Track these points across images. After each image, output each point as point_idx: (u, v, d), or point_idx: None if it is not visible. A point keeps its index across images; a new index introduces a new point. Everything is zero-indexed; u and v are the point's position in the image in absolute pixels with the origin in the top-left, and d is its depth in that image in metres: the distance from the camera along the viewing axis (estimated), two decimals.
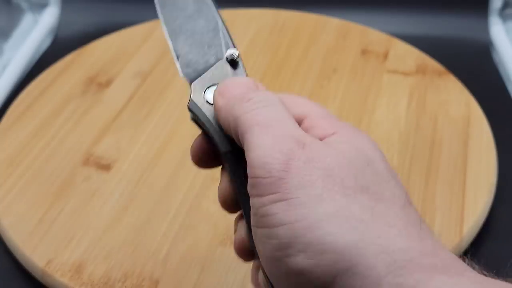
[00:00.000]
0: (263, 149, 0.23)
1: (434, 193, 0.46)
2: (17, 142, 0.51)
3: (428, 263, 0.21)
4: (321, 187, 0.22)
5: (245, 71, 0.29)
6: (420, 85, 0.57)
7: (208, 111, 0.28)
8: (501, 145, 0.51)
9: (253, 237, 0.24)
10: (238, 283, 0.40)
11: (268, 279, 0.24)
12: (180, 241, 0.43)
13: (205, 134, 0.29)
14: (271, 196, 0.23)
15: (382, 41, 0.63)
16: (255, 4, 0.68)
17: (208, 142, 0.29)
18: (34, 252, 0.42)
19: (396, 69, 0.60)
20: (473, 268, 0.22)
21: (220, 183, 0.29)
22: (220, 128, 0.27)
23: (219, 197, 0.29)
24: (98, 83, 0.58)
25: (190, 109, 0.28)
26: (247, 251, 0.28)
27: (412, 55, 0.61)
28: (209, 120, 0.28)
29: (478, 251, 0.44)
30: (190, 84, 0.29)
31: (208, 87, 0.29)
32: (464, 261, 0.22)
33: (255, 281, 0.28)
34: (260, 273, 0.27)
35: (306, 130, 0.26)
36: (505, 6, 0.69)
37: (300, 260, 0.22)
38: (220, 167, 0.30)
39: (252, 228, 0.24)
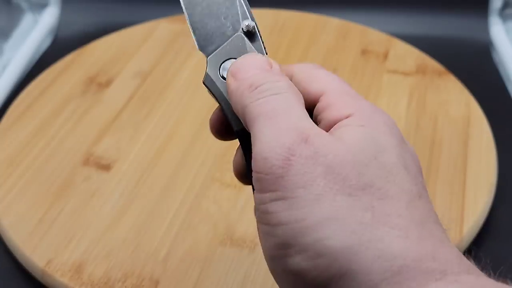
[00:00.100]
0: (265, 143, 0.23)
1: (434, 193, 0.46)
2: (17, 142, 0.51)
3: (425, 268, 0.20)
4: (321, 186, 0.22)
5: (263, 43, 0.28)
6: (420, 85, 0.57)
7: (222, 86, 0.27)
8: (501, 145, 0.51)
9: (258, 230, 0.24)
10: (238, 283, 0.40)
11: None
12: (180, 241, 0.43)
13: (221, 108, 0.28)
14: (271, 194, 0.22)
15: (382, 41, 0.63)
16: (255, 4, 0.67)
17: (224, 115, 0.28)
18: (34, 252, 0.42)
19: (396, 69, 0.60)
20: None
21: (235, 155, 0.29)
22: None
23: (234, 169, 0.29)
24: (98, 83, 0.58)
25: (205, 84, 0.28)
26: None
27: (412, 55, 0.61)
28: (223, 96, 0.27)
29: (478, 251, 0.43)
30: (207, 58, 0.28)
31: (224, 61, 0.28)
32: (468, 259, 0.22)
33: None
34: None
35: (322, 110, 0.25)
36: (505, 6, 0.69)
37: (298, 261, 0.22)
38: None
39: (256, 221, 0.24)
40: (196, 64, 0.59)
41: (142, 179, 0.48)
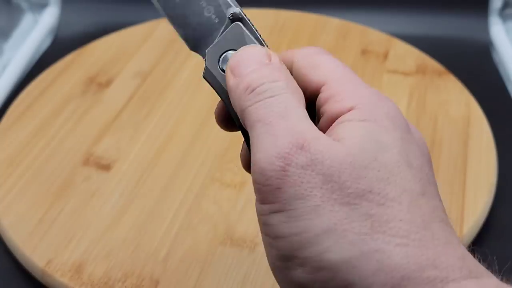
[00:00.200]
0: (262, 152, 0.22)
1: None
2: (17, 142, 0.51)
3: (426, 277, 0.20)
4: (319, 196, 0.21)
5: (254, 28, 0.27)
6: (420, 85, 0.57)
7: (223, 80, 0.27)
8: (501, 145, 0.51)
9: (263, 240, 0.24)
10: (238, 283, 0.40)
11: None
12: (180, 241, 0.43)
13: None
14: (270, 206, 0.22)
15: (382, 41, 0.63)
16: (255, 4, 0.67)
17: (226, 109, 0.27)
18: (34, 252, 0.42)
19: (396, 69, 0.60)
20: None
21: (242, 148, 0.29)
22: None
23: (241, 161, 0.29)
24: (98, 83, 0.58)
25: (205, 78, 0.27)
26: None
27: (412, 55, 0.61)
28: (224, 90, 0.27)
29: (478, 251, 0.43)
30: (204, 55, 0.27)
31: (223, 53, 0.27)
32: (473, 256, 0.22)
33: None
34: None
35: (324, 102, 0.24)
36: (505, 6, 0.69)
37: (299, 274, 0.21)
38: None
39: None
40: (196, 64, 0.59)
41: (142, 179, 0.48)
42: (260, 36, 0.28)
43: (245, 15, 0.27)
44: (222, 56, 0.27)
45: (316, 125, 0.23)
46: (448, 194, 0.46)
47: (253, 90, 0.24)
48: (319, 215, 0.21)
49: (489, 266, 0.22)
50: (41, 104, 0.55)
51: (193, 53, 0.29)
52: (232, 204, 0.45)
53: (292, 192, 0.21)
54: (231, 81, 0.25)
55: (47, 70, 0.59)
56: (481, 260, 0.22)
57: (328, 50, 0.27)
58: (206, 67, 0.27)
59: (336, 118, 0.24)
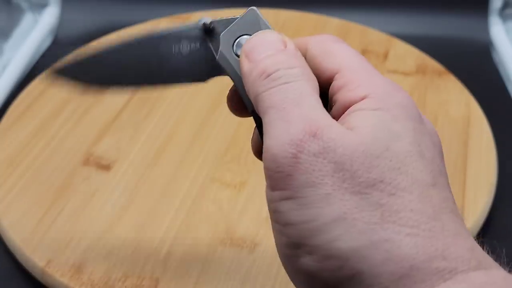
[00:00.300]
0: (274, 139, 0.22)
1: None
2: (17, 142, 0.51)
3: (435, 268, 0.20)
4: (330, 184, 0.21)
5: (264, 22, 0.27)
6: (420, 85, 0.57)
7: (236, 65, 0.27)
8: (501, 145, 0.51)
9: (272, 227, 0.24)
10: (238, 283, 0.40)
11: None
12: (180, 241, 0.43)
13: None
14: (281, 193, 0.22)
15: (382, 41, 0.63)
16: (255, 4, 0.67)
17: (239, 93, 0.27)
18: (34, 252, 0.42)
19: (396, 69, 0.60)
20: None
21: (253, 134, 0.28)
22: None
23: (252, 147, 0.29)
24: None
25: (218, 62, 0.27)
26: None
27: (412, 55, 0.61)
28: (237, 75, 0.27)
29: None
30: (220, 35, 0.27)
31: (238, 38, 0.27)
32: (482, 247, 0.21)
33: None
34: None
35: (337, 90, 0.24)
36: (505, 6, 0.70)
37: (307, 262, 0.21)
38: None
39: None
40: None
41: (142, 179, 0.48)
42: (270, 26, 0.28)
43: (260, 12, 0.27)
44: (237, 41, 0.27)
45: (328, 113, 0.23)
46: None
47: (268, 76, 0.24)
48: (329, 203, 0.21)
49: (498, 258, 0.22)
50: (41, 104, 0.55)
51: None
52: (232, 204, 0.45)
53: (303, 179, 0.21)
54: (246, 66, 0.25)
55: (47, 70, 0.59)
56: (490, 252, 0.22)
57: None
58: (220, 51, 0.27)
59: (349, 107, 0.23)
